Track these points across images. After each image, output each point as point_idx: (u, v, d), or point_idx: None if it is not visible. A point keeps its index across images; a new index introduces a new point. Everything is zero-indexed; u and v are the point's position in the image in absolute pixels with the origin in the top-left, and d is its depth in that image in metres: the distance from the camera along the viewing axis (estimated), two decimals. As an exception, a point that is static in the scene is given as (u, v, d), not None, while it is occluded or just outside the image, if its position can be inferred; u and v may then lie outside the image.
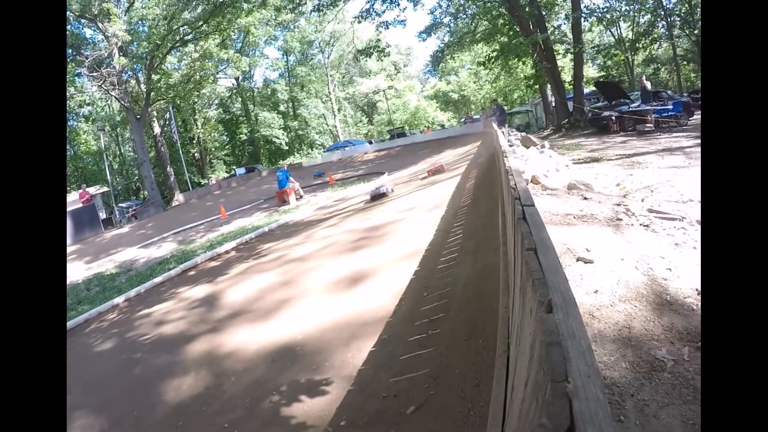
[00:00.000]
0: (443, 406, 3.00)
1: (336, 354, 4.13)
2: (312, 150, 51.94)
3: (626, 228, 4.94)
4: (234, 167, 47.78)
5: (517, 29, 25.15)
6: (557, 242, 4.47)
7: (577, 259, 3.93)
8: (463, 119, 44.74)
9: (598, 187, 7.54)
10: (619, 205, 6.02)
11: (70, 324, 8.75)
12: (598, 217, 5.44)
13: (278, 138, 49.96)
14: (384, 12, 27.86)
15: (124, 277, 11.95)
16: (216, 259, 10.62)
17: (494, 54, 28.51)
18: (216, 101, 51.63)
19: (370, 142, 43.02)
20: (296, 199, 17.55)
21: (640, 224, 5.08)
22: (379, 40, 29.83)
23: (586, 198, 6.51)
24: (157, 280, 9.94)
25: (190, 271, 10.09)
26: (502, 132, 16.60)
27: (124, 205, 31.18)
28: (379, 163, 26.32)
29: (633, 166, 9.86)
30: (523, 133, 18.88)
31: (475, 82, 57.34)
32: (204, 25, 30.54)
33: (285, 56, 55.24)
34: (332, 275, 6.42)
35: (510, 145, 12.30)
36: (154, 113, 36.26)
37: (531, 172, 8.06)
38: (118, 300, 9.35)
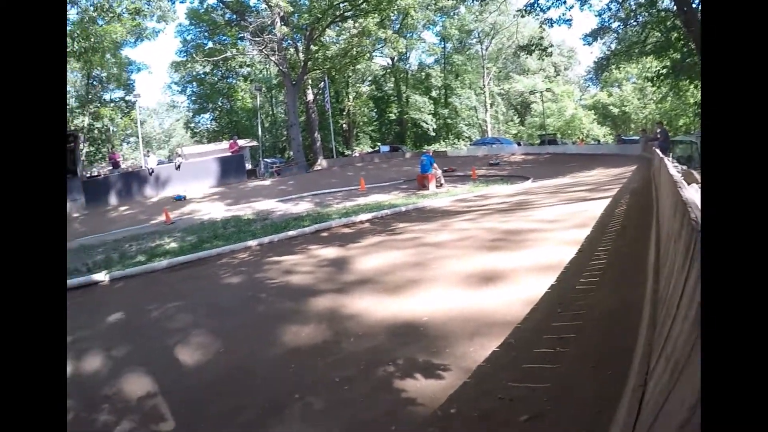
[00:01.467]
0: (558, 424, 2.79)
1: (458, 344, 3.95)
2: (458, 140, 50.97)
3: None
4: (379, 144, 48.56)
5: (692, 47, 22.06)
6: None
7: None
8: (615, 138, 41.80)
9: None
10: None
11: (205, 254, 9.36)
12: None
13: (426, 123, 49.62)
14: (549, 8, 26.20)
15: (260, 224, 12.42)
16: (350, 227, 10.62)
17: (664, 71, 25.72)
18: (369, 78, 52.63)
19: (519, 144, 41.60)
20: (436, 186, 17.22)
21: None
22: (542, 37, 28.49)
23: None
24: (291, 233, 10.14)
25: (323, 232, 10.16)
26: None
27: (268, 160, 32.81)
28: (524, 167, 25.16)
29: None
30: (684, 167, 17.02)
31: (639, 99, 52.54)
32: (364, 3, 31.04)
33: (442, 42, 54.49)
34: (464, 268, 6.10)
35: None
36: (309, 81, 37.70)
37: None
38: (252, 243, 9.72)
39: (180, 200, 20.51)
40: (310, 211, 13.46)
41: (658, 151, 14.30)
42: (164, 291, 7.80)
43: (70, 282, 9.32)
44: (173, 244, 11.51)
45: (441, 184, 17.53)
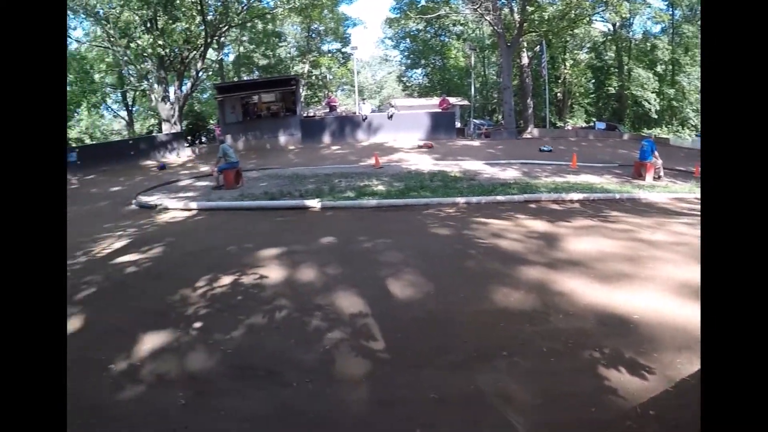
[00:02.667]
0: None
1: (665, 352, 3.80)
2: (682, 129, 44.90)
3: None
4: (594, 119, 44.91)
5: None
6: None
7: None
8: None
9: None
10: None
11: (413, 201, 9.90)
12: None
13: (649, 102, 43.75)
14: None
15: (466, 183, 12.55)
16: (559, 204, 10.30)
17: None
18: (588, 44, 48.64)
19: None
20: (654, 177, 15.62)
21: None
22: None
23: None
24: (499, 198, 10.17)
25: (531, 203, 10.01)
26: None
27: (477, 121, 32.72)
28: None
29: None
30: None
31: None
32: (586, -40, 28.67)
33: (670, 8, 47.49)
34: (679, 275, 5.65)
35: None
36: (524, 44, 36.23)
37: None
38: (459, 200, 9.97)
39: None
40: (517, 180, 13.27)
41: None
42: (373, 227, 8.34)
43: (285, 203, 10.37)
44: (381, 187, 12.15)
45: (659, 177, 15.88)
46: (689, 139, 36.48)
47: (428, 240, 7.27)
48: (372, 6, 68.02)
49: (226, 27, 30.15)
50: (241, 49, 39.73)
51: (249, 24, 35.50)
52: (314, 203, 10.13)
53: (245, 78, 39.88)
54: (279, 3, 32.02)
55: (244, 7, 30.09)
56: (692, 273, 5.74)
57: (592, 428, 3.05)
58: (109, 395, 3.79)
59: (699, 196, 12.96)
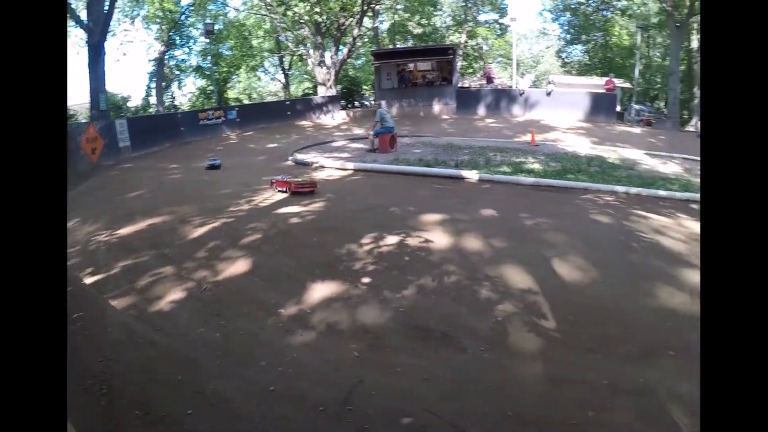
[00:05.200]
0: None
1: None
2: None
3: None
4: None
5: None
6: None
7: None
8: None
9: None
10: None
11: (572, 184, 9.97)
12: None
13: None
14: None
15: (624, 172, 12.23)
16: None
17: None
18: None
19: None
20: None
21: None
22: None
23: None
24: (661, 193, 9.87)
25: (694, 204, 9.47)
26: None
27: (637, 107, 31.17)
28: None
29: None
30: None
31: None
32: None
33: None
34: None
35: None
36: (695, 25, 33.21)
37: None
38: (619, 189, 9.83)
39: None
40: (678, 176, 12.67)
41: None
42: (532, 205, 8.49)
43: (442, 171, 10.87)
44: (537, 166, 12.22)
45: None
46: None
47: (589, 226, 7.35)
48: None
49: None
50: (396, 17, 40.24)
51: None
52: (471, 174, 10.50)
53: (400, 46, 40.57)
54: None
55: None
56: None
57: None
58: (280, 339, 4.14)
59: None
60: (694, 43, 34.06)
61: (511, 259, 5.73)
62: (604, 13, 46.33)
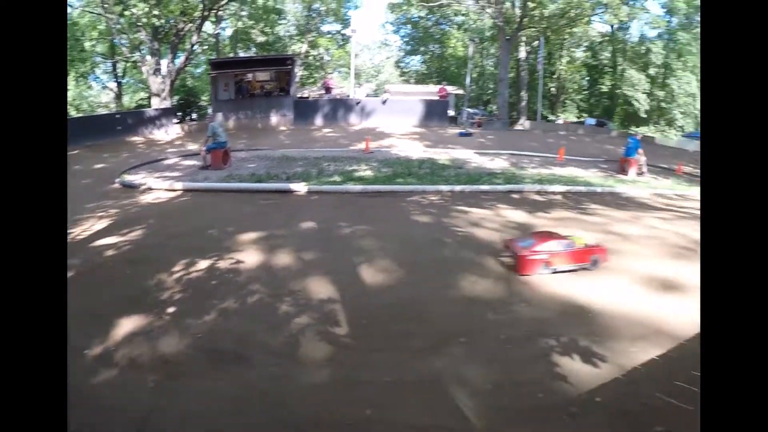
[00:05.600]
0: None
1: (621, 341, 4.02)
2: (669, 128, 46.64)
3: None
4: (585, 115, 46.27)
5: None
6: None
7: None
8: None
9: None
10: None
11: (398, 188, 9.93)
12: None
13: (639, 102, 45.90)
14: None
15: (453, 171, 12.62)
16: (541, 195, 10.46)
17: None
18: (585, 43, 49.43)
19: (738, 148, 36.93)
20: (637, 173, 16.02)
21: None
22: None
23: None
24: (484, 187, 10.26)
25: (514, 194, 10.12)
26: None
27: (470, 110, 32.83)
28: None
29: None
30: None
31: None
32: (590, -36, 28.89)
33: (668, 16, 49.13)
34: (647, 268, 5.86)
35: None
36: (523, 38, 36.60)
37: None
38: (443, 188, 10.03)
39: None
40: (504, 170, 13.40)
41: None
42: (355, 213, 8.39)
43: (271, 186, 10.37)
44: (369, 172, 12.21)
45: (642, 173, 16.33)
46: (674, 138, 37.46)
47: (407, 227, 7.38)
48: None
49: (225, 1, 29.86)
50: (240, 24, 39.31)
51: None
52: (299, 187, 10.16)
53: (242, 54, 39.58)
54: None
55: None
56: (659, 266, 5.96)
57: (536, 413, 3.18)
58: (84, 380, 3.89)
59: (678, 192, 13.23)
60: (522, 54, 37.14)
61: (318, 271, 5.60)
62: (443, 26, 49.08)
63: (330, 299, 4.83)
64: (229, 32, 40.74)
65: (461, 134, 22.27)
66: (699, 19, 49.46)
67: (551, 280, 5.20)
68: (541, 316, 4.38)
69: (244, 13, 37.64)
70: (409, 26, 49.70)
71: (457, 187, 9.98)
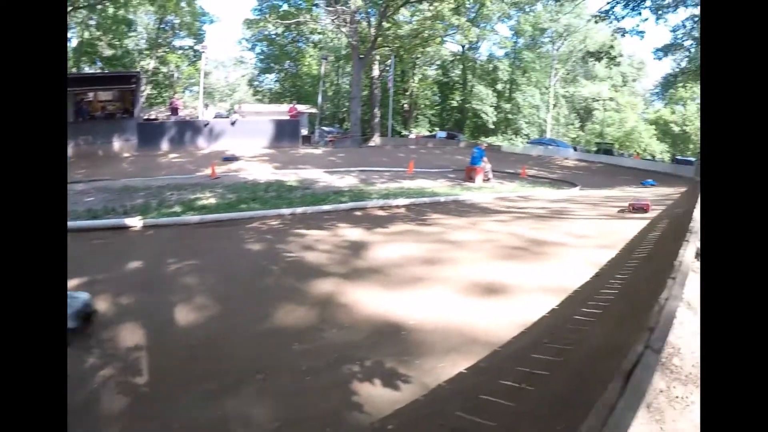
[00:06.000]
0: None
1: (431, 357, 3.91)
2: (515, 137, 50.72)
3: None
4: (437, 128, 48.85)
5: None
6: None
7: None
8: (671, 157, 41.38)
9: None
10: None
11: (238, 215, 9.48)
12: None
13: (487, 114, 49.68)
14: (624, 18, 26.60)
15: (300, 192, 12.50)
16: (385, 210, 10.53)
17: None
18: (438, 62, 52.46)
19: (575, 149, 40.62)
20: (483, 180, 17.03)
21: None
22: (612, 46, 28.35)
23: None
24: (325, 207, 10.16)
25: (357, 211, 10.12)
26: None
27: (326, 129, 33.06)
28: (576, 174, 24.61)
29: None
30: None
31: None
32: (444, -12, 30.60)
33: (515, 37, 54.26)
34: (473, 274, 5.97)
35: None
36: (377, 57, 37.84)
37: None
38: (285, 211, 9.79)
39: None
40: (352, 187, 13.51)
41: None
42: (188, 246, 7.91)
43: (104, 222, 9.53)
44: (212, 200, 11.67)
45: (488, 179, 17.41)
46: (520, 145, 40.89)
47: (237, 258, 7.09)
48: (233, 3, 66.01)
49: (71, 8, 27.66)
50: (86, 34, 36.49)
51: (99, 6, 32.91)
52: (135, 222, 9.43)
53: (87, 69, 36.79)
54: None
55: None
56: (486, 272, 6.06)
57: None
58: None
59: (521, 194, 14.16)
60: (376, 72, 38.28)
61: (132, 316, 5.09)
62: (300, 44, 49.30)
63: (137, 346, 4.42)
64: (74, 43, 37.41)
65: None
66: (542, 40, 54.70)
67: (371, 300, 5.11)
68: (350, 341, 4.25)
69: (92, 21, 35.06)
70: (265, 43, 49.22)
71: (299, 210, 9.80)
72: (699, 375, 3.17)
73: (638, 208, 11.07)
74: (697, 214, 5.60)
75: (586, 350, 3.86)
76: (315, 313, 4.86)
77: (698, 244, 4.15)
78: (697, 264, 6.08)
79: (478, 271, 6.09)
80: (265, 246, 7.56)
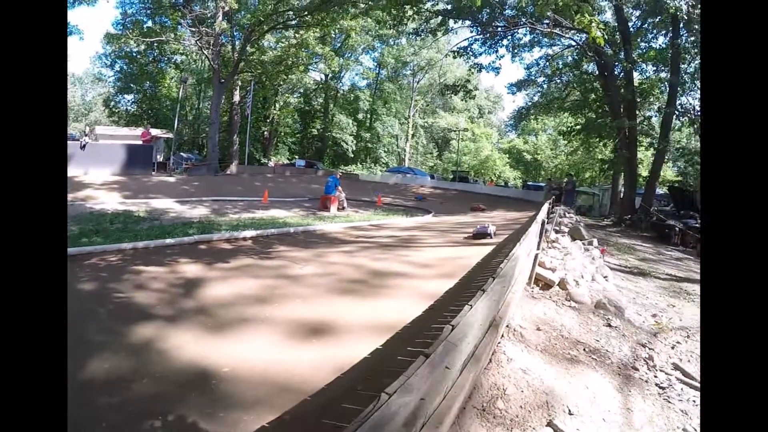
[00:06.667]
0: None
1: (236, 409, 3.75)
2: (375, 165, 52.44)
3: (636, 386, 4.41)
4: (296, 157, 49.13)
5: (607, 109, 25.43)
6: (538, 388, 3.95)
7: (548, 424, 3.41)
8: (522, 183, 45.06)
9: (630, 312, 6.82)
10: (644, 346, 5.48)
11: (76, 250, 8.84)
12: (611, 359, 4.93)
13: (347, 143, 50.80)
14: (481, 54, 28.55)
15: (147, 224, 12.11)
16: (231, 242, 10.41)
17: (578, 127, 28.74)
18: (300, 90, 52.75)
19: (432, 176, 43.06)
20: (338, 209, 17.40)
21: (656, 384, 4.50)
22: (468, 80, 30.06)
23: (610, 325, 5.98)
24: (169, 241, 9.89)
25: (202, 244, 9.92)
26: (560, 212, 15.77)
27: (184, 155, 31.93)
28: (430, 201, 25.96)
29: (679, 295, 9.03)
30: (580, 218, 18.28)
31: (551, 149, 57.23)
32: (308, 16, 31.31)
33: (377, 68, 56.53)
34: (302, 313, 5.94)
35: (556, 231, 11.53)
36: (239, 82, 37.40)
37: (564, 273, 7.53)
38: (126, 246, 9.34)
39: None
40: (203, 218, 13.20)
41: (547, 203, 15.05)
42: None
43: None
44: (51, 233, 10.89)
45: (343, 208, 17.79)
46: (379, 174, 42.19)
47: (68, 298, 6.49)
48: (95, 16, 61.38)
49: None
50: None
51: None
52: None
53: None
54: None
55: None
56: (317, 309, 6.02)
57: None
58: None
59: (373, 223, 14.56)
60: (236, 97, 37.79)
61: None
62: (161, 65, 47.17)
63: None
64: None
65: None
66: (404, 72, 57.02)
67: (190, 346, 4.90)
68: (158, 392, 4.01)
69: None
70: (125, 61, 46.66)
71: (141, 244, 9.46)
72: (525, 416, 3.47)
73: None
74: (520, 249, 5.52)
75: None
76: (130, 361, 4.58)
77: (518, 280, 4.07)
78: (537, 289, 6.78)
79: (308, 309, 6.04)
80: (97, 285, 7.12)
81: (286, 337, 5.18)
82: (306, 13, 31.18)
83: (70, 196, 16.52)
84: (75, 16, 65.06)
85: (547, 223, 10.07)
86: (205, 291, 6.82)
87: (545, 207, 13.52)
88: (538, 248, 7.18)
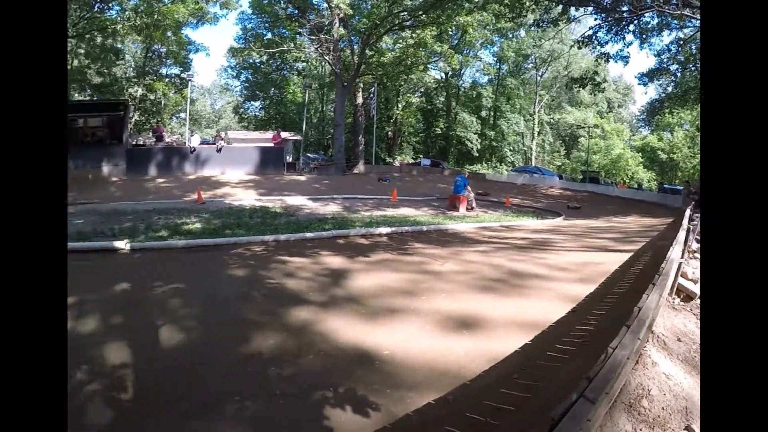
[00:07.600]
0: None
1: (401, 387, 3.90)
2: (501, 165, 50.84)
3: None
4: (421, 156, 49.04)
5: None
6: (679, 394, 3.62)
7: (686, 428, 3.04)
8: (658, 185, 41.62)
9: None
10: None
11: (223, 241, 9.55)
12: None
13: (471, 142, 49.77)
14: (607, 43, 26.31)
15: (284, 219, 12.63)
16: (367, 238, 10.62)
17: None
18: (421, 89, 52.66)
19: (560, 177, 40.45)
20: (467, 209, 17.14)
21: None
22: (596, 72, 28.33)
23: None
24: (309, 235, 10.25)
25: (340, 239, 10.19)
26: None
27: (311, 155, 33.20)
28: (560, 203, 24.60)
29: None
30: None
31: (689, 148, 50.73)
32: (423, 15, 31.28)
33: (498, 63, 54.31)
34: (449, 306, 5.96)
35: (697, 241, 10.53)
36: (361, 84, 38.30)
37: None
38: (269, 238, 9.87)
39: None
40: (336, 215, 13.59)
41: (689, 208, 13.77)
42: (174, 270, 8.00)
43: (93, 245, 9.64)
44: (198, 225, 11.79)
45: (472, 208, 17.49)
46: (505, 173, 40.79)
47: (220, 283, 7.14)
48: (218, 33, 66.78)
49: None
50: (76, 62, 36.66)
51: (88, 36, 33.25)
52: (122, 245, 9.56)
53: (76, 96, 36.93)
54: (119, 18, 30.56)
55: (86, 16, 28.26)
56: (462, 304, 6.03)
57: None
58: None
59: (504, 224, 14.20)
60: (359, 99, 38.66)
61: (117, 337, 5.15)
62: (284, 72, 49.51)
63: (122, 364, 4.49)
64: (63, 72, 37.83)
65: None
66: (526, 66, 55.28)
67: (347, 330, 5.14)
68: (326, 368, 4.28)
69: (81, 50, 35.26)
70: (249, 71, 49.57)
71: (282, 237, 9.89)
72: (666, 418, 3.25)
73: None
74: (673, 252, 5.42)
75: (556, 387, 3.79)
76: (293, 339, 4.90)
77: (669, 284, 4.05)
78: (678, 301, 6.27)
79: (454, 303, 6.07)
80: (247, 272, 7.61)
81: (437, 328, 5.26)
82: (420, 12, 31.19)
83: (209, 193, 17.67)
84: (199, 35, 69.84)
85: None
86: (351, 282, 7.03)
87: (687, 212, 12.38)
88: (682, 257, 6.52)
